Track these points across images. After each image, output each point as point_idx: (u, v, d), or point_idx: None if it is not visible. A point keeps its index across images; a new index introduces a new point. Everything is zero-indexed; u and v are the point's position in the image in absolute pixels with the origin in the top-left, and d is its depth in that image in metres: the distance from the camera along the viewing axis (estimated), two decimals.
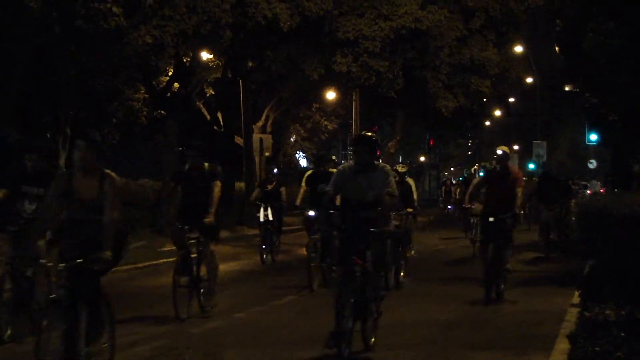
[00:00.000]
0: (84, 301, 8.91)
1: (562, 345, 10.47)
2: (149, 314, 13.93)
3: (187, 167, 14.02)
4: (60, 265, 9.01)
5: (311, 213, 17.19)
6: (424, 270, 20.77)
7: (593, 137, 46.26)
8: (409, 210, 17.87)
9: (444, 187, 50.04)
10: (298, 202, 18.29)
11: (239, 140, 37.56)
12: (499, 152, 15.77)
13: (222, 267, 21.36)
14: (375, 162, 11.02)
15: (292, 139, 50.72)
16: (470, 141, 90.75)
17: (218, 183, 13.74)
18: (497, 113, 63.13)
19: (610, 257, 12.95)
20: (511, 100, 62.41)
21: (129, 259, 21.92)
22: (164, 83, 34.49)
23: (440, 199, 54.48)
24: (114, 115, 32.44)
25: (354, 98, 44.16)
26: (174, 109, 32.60)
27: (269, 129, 40.76)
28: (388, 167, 11.31)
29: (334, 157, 25.84)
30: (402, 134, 52.20)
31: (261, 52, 32.50)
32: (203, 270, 13.70)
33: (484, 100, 48.41)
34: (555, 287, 17.29)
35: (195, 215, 13.45)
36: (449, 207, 44.23)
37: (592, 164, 61.42)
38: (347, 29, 32.80)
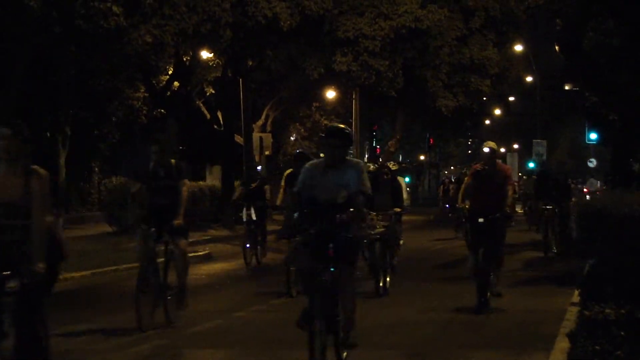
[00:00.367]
0: (16, 327, 7.71)
1: (562, 344, 10.47)
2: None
3: (151, 164, 13.01)
4: None
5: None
6: (422, 269, 20.80)
7: (593, 136, 46.32)
8: (397, 210, 16.87)
9: (442, 186, 50.12)
10: (278, 202, 17.74)
11: (239, 139, 37.56)
12: (486, 149, 14.82)
13: (219, 266, 21.50)
14: (347, 157, 9.82)
15: (292, 138, 50.72)
16: (470, 140, 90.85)
17: (186, 181, 13.03)
18: (497, 112, 63.13)
19: (610, 257, 12.94)
20: (511, 99, 62.39)
21: (129, 258, 22.00)
22: (164, 82, 34.53)
23: (439, 198, 54.50)
24: (114, 115, 32.51)
25: (354, 97, 44.17)
26: (174, 108, 32.64)
27: (269, 128, 40.78)
28: (361, 162, 10.26)
29: (322, 155, 25.55)
30: (402, 133, 52.19)
31: (261, 51, 32.49)
32: (171, 276, 12.78)
33: (484, 99, 48.37)
34: (555, 287, 17.30)
35: (163, 217, 12.59)
36: (447, 205, 44.34)
37: (592, 163, 61.43)
38: (347, 28, 32.79)
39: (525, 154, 76.36)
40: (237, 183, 28.33)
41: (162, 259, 12.78)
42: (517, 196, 40.49)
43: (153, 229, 12.66)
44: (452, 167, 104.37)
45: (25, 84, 25.32)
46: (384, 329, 12.48)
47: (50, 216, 8.04)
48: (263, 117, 40.48)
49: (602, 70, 25.16)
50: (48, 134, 28.76)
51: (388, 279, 16.44)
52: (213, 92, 37.55)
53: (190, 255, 23.86)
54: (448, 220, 35.84)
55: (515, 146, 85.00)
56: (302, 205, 9.91)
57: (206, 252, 24.36)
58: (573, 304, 13.67)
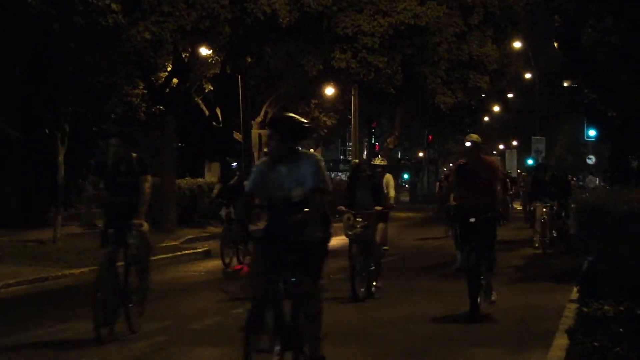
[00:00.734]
0: None
1: (561, 341, 10.49)
2: (147, 310, 13.91)
3: (111, 158, 11.99)
4: None
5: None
6: (421, 266, 20.82)
7: (592, 133, 46.38)
8: (378, 208, 15.60)
9: (438, 183, 50.13)
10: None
11: (237, 136, 37.57)
12: (468, 143, 13.67)
13: (218, 263, 21.48)
14: (301, 150, 8.73)
15: None
16: None
17: (148, 177, 11.92)
18: (496, 109, 63.16)
19: (609, 254, 12.95)
20: (510, 96, 62.45)
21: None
22: (163, 79, 34.47)
23: (436, 194, 54.51)
24: (112, 111, 32.46)
25: (352, 94, 44.16)
26: (172, 104, 32.57)
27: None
28: (318, 155, 8.95)
29: (311, 150, 25.37)
30: (401, 130, 52.20)
31: (260, 47, 32.46)
32: (134, 281, 11.85)
33: (483, 96, 48.44)
34: (553, 283, 17.32)
35: (123, 216, 11.61)
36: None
37: (591, 160, 61.47)
38: (346, 24, 32.79)
39: (524, 150, 76.44)
40: (214, 179, 28.08)
41: (121, 263, 11.81)
42: (511, 192, 40.42)
43: (111, 230, 11.66)
44: (450, 164, 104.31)
45: (24, 82, 25.30)
46: (382, 326, 12.49)
47: None
48: (262, 113, 40.47)
49: (600, 68, 25.18)
50: (47, 131, 28.70)
51: (375, 283, 15.56)
52: (212, 88, 37.55)
53: (189, 252, 24.08)
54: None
55: (514, 143, 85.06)
56: (254, 206, 9.16)
57: (205, 249, 24.38)
58: (572, 300, 13.69)
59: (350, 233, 15.19)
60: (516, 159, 77.64)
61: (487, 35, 41.86)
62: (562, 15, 24.23)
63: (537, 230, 24.09)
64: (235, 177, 21.02)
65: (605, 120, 35.40)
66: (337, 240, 12.39)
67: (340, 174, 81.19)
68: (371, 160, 20.60)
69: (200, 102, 37.98)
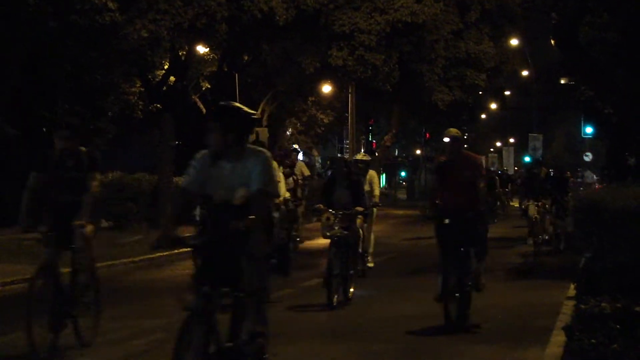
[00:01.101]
0: None
1: (558, 338, 10.49)
2: (145, 308, 13.94)
3: (57, 152, 10.64)
4: None
5: None
6: (418, 263, 20.81)
7: (589, 130, 46.42)
8: (358, 209, 14.64)
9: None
10: None
11: (264, 134, 37.57)
12: (446, 138, 12.61)
13: None
14: (248, 146, 7.70)
15: (288, 133, 50.69)
16: (466, 134, 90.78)
17: (96, 175, 10.61)
18: (493, 106, 63.18)
19: (606, 251, 12.97)
20: (507, 93, 62.49)
21: (125, 252, 22.01)
22: (160, 77, 34.45)
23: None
24: (109, 109, 32.45)
25: (349, 92, 44.15)
26: (169, 102, 32.53)
27: (264, 123, 40.74)
28: (267, 153, 7.78)
29: (296, 146, 25.07)
30: (398, 128, 52.20)
31: (257, 45, 32.46)
32: (82, 289, 10.66)
33: (480, 93, 48.45)
34: (551, 280, 17.32)
35: (66, 217, 10.34)
36: None
37: (588, 157, 61.57)
38: (343, 22, 32.78)
39: (521, 148, 76.48)
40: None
41: (66, 270, 10.63)
42: (498, 190, 40.21)
43: (53, 233, 10.37)
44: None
45: (22, 79, 25.30)
46: (377, 323, 12.48)
47: None
48: (259, 111, 40.46)
49: (598, 65, 25.19)
50: (44, 129, 28.71)
51: (352, 289, 14.55)
52: (209, 86, 37.53)
53: (187, 250, 23.89)
54: None
55: (512, 140, 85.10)
56: (192, 205, 8.21)
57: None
58: (569, 297, 13.71)
59: (328, 234, 14.27)
60: (513, 156, 77.73)
61: (484, 32, 41.90)
62: (559, 13, 24.22)
63: (530, 228, 23.21)
64: None
65: (602, 117, 35.42)
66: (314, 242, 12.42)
67: None
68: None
69: (197, 100, 37.95)
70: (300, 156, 57.90)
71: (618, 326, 10.23)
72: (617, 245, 12.63)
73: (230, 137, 7.51)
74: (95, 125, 33.21)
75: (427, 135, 71.76)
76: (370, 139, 58.70)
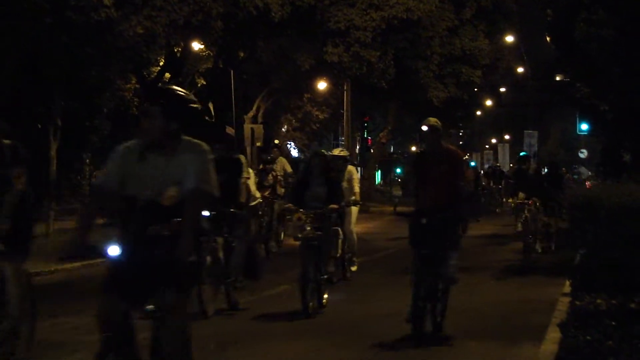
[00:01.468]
0: None
1: (553, 335, 10.49)
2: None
3: None
4: None
5: (205, 213, 13.85)
6: (411, 261, 20.76)
7: (584, 127, 46.43)
8: (333, 206, 13.27)
9: None
10: None
11: (230, 130, 37.47)
12: (425, 127, 11.23)
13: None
14: (185, 138, 6.67)
15: (283, 129, 50.68)
16: (462, 131, 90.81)
17: (20, 171, 9.14)
18: (488, 103, 63.21)
19: (601, 247, 12.97)
20: (502, 90, 62.51)
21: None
22: (155, 73, 34.45)
23: None
24: (105, 106, 32.43)
25: (345, 88, 44.16)
26: None
27: (260, 119, 40.74)
28: (205, 146, 6.75)
29: (276, 141, 24.54)
30: (393, 124, 52.22)
31: (252, 42, 32.47)
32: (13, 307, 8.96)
33: (475, 90, 48.48)
34: (546, 277, 17.31)
35: None
36: None
37: (583, 154, 61.58)
38: (338, 19, 32.80)
39: (516, 144, 76.43)
40: None
41: None
42: (501, 186, 40.16)
43: None
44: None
45: (17, 76, 25.26)
46: (373, 319, 12.46)
47: None
48: (254, 108, 40.45)
49: (593, 62, 25.22)
50: (39, 126, 28.69)
51: (326, 295, 13.33)
52: (204, 83, 37.53)
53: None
54: None
55: (507, 137, 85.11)
56: (108, 207, 6.93)
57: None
58: (564, 294, 13.69)
59: (300, 236, 13.04)
60: (509, 153, 77.72)
61: (480, 29, 41.95)
62: (554, 9, 24.26)
63: (519, 229, 21.64)
64: None
65: (597, 114, 35.38)
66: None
67: None
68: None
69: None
70: (294, 153, 57.95)
71: (613, 323, 10.23)
72: (613, 242, 12.63)
73: (172, 126, 6.52)
74: (90, 122, 33.21)
75: None
76: (365, 135, 58.63)
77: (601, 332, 9.80)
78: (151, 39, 26.12)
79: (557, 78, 42.93)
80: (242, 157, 13.41)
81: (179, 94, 6.65)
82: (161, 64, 33.80)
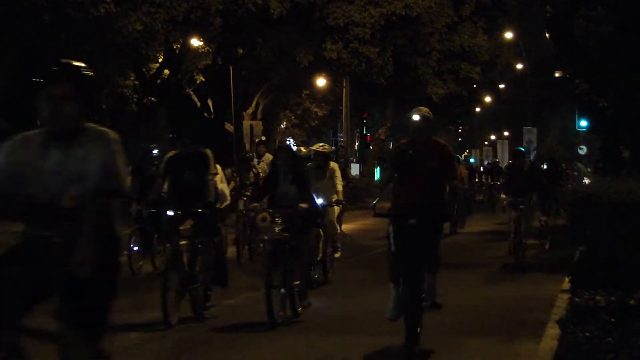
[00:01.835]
0: None
1: (553, 331, 10.49)
2: (138, 302, 13.86)
3: None
4: None
5: (170, 213, 11.90)
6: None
7: (583, 123, 46.39)
8: (303, 206, 12.00)
9: None
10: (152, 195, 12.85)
11: (229, 127, 37.54)
12: (416, 116, 9.89)
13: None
14: (89, 125, 5.76)
15: (282, 126, 50.69)
16: (461, 128, 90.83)
17: None
18: (487, 99, 63.23)
19: (600, 244, 12.97)
20: (501, 86, 62.51)
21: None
22: (154, 70, 34.46)
23: None
24: (104, 103, 32.43)
25: (344, 85, 44.15)
26: (164, 96, 32.57)
27: (259, 116, 40.74)
28: (113, 134, 5.78)
29: (263, 138, 24.04)
30: (392, 121, 52.22)
31: (251, 38, 32.45)
32: None
33: (474, 86, 48.49)
34: (545, 274, 17.31)
35: None
36: None
37: (582, 150, 61.61)
38: (337, 15, 32.77)
39: (515, 141, 76.46)
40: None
41: None
42: (499, 183, 39.90)
43: None
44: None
45: (15, 72, 25.25)
46: (371, 316, 12.46)
47: None
48: (253, 104, 40.44)
49: (592, 58, 25.21)
50: (38, 123, 28.71)
51: (303, 304, 12.24)
52: (203, 79, 37.53)
53: (183, 242, 23.57)
54: None
55: (506, 134, 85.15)
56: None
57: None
58: (563, 291, 13.70)
59: (265, 238, 12.14)
60: (508, 149, 77.74)
61: (479, 26, 41.95)
62: (553, 6, 24.22)
63: (510, 231, 19.14)
64: (153, 168, 16.40)
65: (596, 110, 35.36)
66: None
67: None
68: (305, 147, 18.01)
69: (191, 93, 37.93)
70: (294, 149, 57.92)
71: (612, 319, 10.24)
72: (612, 238, 12.64)
73: (67, 108, 5.57)
74: (89, 119, 33.27)
75: None
76: (364, 132, 58.64)
77: (600, 329, 9.81)
78: (150, 35, 26.12)
79: (557, 75, 42.90)
80: (208, 152, 12.14)
81: (88, 73, 5.70)
82: (160, 60, 33.79)
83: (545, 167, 28.21)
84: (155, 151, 18.28)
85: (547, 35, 23.81)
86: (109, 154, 5.53)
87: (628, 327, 9.86)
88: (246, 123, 37.04)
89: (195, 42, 32.93)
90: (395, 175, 10.10)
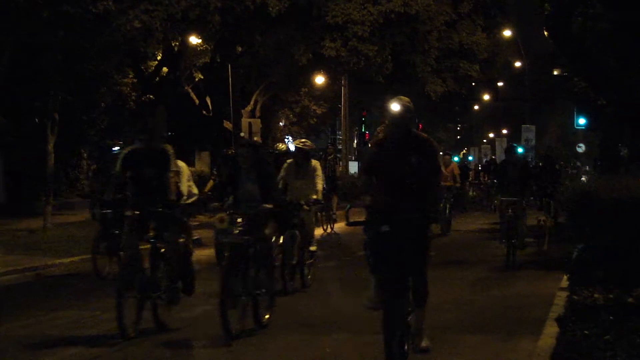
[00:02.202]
0: None
1: (551, 329, 10.50)
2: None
3: None
4: None
5: (127, 213, 11.23)
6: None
7: (582, 121, 46.44)
8: (267, 206, 11.21)
9: None
10: (107, 195, 12.60)
11: (228, 124, 37.53)
12: (396, 106, 9.05)
13: (210, 252, 21.43)
14: None
15: (280, 124, 50.65)
16: (459, 126, 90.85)
17: None
18: (486, 97, 63.25)
19: (598, 242, 12.97)
20: (500, 84, 62.55)
21: None
22: (153, 68, 34.44)
23: None
24: (102, 100, 32.41)
25: (342, 83, 44.14)
26: (162, 93, 32.55)
27: (257, 114, 40.71)
28: None
29: (242, 134, 23.45)
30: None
31: (250, 36, 32.43)
32: None
33: (473, 84, 48.52)
34: (544, 272, 17.32)
35: None
36: None
37: (581, 148, 61.61)
38: (335, 13, 32.74)
39: (514, 139, 76.45)
40: (93, 168, 26.66)
41: None
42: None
43: None
44: (440, 153, 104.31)
45: (13, 70, 25.23)
46: (369, 314, 12.46)
47: None
48: (252, 102, 40.41)
49: (591, 56, 25.22)
50: (36, 120, 28.65)
51: (267, 315, 11.32)
52: (202, 77, 37.51)
53: (181, 240, 23.65)
54: None
55: (504, 131, 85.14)
56: None
57: (196, 237, 24.28)
58: (562, 288, 13.71)
59: (224, 240, 11.28)
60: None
61: (477, 23, 41.92)
62: (552, 3, 24.23)
63: (503, 231, 18.83)
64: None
65: (595, 108, 35.44)
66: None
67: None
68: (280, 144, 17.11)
69: (190, 91, 37.91)
70: (291, 147, 57.92)
71: (611, 317, 10.25)
72: (610, 236, 12.64)
73: None
74: (87, 116, 33.20)
75: (420, 126, 71.67)
76: (363, 130, 58.64)
77: (599, 326, 9.82)
78: (149, 33, 26.10)
79: (555, 72, 42.97)
80: (169, 148, 11.51)
81: None
82: (159, 58, 33.77)
83: (540, 164, 28.13)
84: (115, 148, 16.73)
85: (545, 33, 23.81)
86: None
87: (626, 324, 9.86)
88: (245, 121, 37.00)
89: (194, 40, 32.91)
90: (374, 180, 8.96)
